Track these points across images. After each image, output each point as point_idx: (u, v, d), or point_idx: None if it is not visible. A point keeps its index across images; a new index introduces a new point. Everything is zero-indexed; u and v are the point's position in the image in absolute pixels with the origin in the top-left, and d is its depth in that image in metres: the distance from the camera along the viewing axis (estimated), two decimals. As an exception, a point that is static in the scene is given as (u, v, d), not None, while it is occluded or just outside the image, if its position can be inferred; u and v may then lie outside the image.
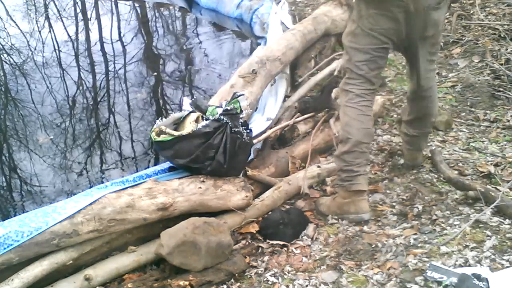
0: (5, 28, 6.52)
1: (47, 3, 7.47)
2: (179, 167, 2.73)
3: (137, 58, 5.66)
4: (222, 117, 2.64)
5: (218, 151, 2.61)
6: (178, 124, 2.83)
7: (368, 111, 2.62)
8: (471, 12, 4.90)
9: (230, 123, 2.65)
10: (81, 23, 6.73)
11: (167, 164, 2.82)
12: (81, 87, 5.08)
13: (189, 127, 2.67)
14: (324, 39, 4.50)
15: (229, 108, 2.69)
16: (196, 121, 2.71)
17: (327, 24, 4.43)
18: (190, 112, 2.80)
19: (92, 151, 4.08)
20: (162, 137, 2.62)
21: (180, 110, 2.94)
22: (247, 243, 2.66)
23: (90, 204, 2.27)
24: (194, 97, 2.84)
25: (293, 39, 4.03)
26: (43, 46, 5.99)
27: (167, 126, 2.70)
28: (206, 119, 2.67)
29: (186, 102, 2.81)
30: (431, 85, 2.77)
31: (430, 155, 3.16)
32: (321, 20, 4.41)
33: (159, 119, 2.76)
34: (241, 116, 2.74)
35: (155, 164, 3.43)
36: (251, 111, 3.37)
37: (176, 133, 2.61)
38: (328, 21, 4.45)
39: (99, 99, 4.91)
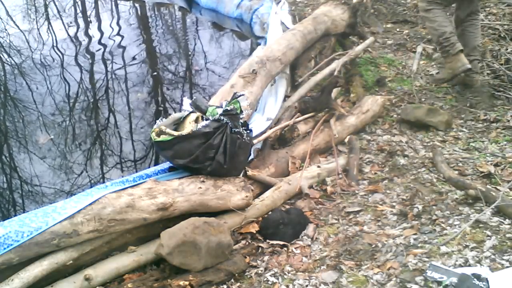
0: (5, 29, 6.51)
1: (47, 3, 7.47)
2: (179, 167, 2.73)
3: (137, 58, 5.66)
4: (222, 117, 2.64)
5: (218, 151, 2.61)
6: (178, 124, 2.83)
7: None
8: (471, 12, 4.90)
9: (230, 123, 2.64)
10: (81, 23, 6.73)
11: (167, 164, 2.82)
12: (81, 87, 5.08)
13: (188, 127, 2.67)
14: (324, 39, 4.50)
15: (229, 108, 2.69)
16: (196, 121, 2.71)
17: (327, 24, 4.43)
18: (190, 112, 2.80)
19: (92, 151, 4.08)
20: (162, 137, 2.62)
21: (180, 110, 2.94)
22: (247, 243, 2.66)
23: (90, 204, 2.27)
24: (194, 97, 2.83)
25: (293, 39, 4.03)
26: (43, 46, 5.99)
27: (167, 126, 2.69)
28: (206, 119, 2.67)
29: (186, 102, 2.81)
30: None
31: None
32: (321, 20, 4.41)
33: (159, 119, 2.76)
34: (241, 116, 2.74)
35: (155, 164, 3.43)
36: (251, 111, 3.37)
37: (176, 133, 2.61)
38: (328, 21, 4.45)
39: (99, 99, 4.91)
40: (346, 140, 3.44)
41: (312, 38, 4.27)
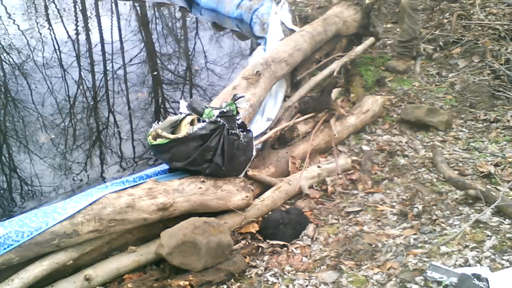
0: (5, 29, 6.51)
1: (47, 3, 7.47)
2: (178, 170, 2.72)
3: (137, 58, 5.66)
4: (218, 119, 2.62)
5: (216, 153, 2.60)
6: (175, 127, 2.80)
7: None
8: (471, 12, 4.90)
9: (227, 125, 2.63)
10: (81, 23, 6.73)
11: (166, 166, 2.81)
12: (81, 87, 5.08)
13: (184, 129, 2.64)
14: (335, 40, 4.47)
15: (225, 110, 2.67)
16: (192, 123, 2.67)
17: (338, 25, 4.38)
18: (187, 115, 2.77)
19: (92, 151, 4.08)
20: (159, 141, 2.60)
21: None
22: (247, 243, 2.66)
23: (90, 204, 2.27)
24: (191, 99, 2.80)
25: (301, 40, 3.99)
26: (43, 46, 5.98)
27: (163, 130, 2.66)
28: (203, 121, 2.64)
29: (183, 104, 2.78)
30: None
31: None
32: (331, 21, 4.36)
33: (156, 122, 2.73)
34: (237, 117, 2.73)
35: (155, 165, 3.42)
36: (253, 113, 3.36)
37: (172, 136, 2.58)
38: (339, 22, 4.40)
39: (99, 99, 4.91)
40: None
41: (322, 39, 4.23)
